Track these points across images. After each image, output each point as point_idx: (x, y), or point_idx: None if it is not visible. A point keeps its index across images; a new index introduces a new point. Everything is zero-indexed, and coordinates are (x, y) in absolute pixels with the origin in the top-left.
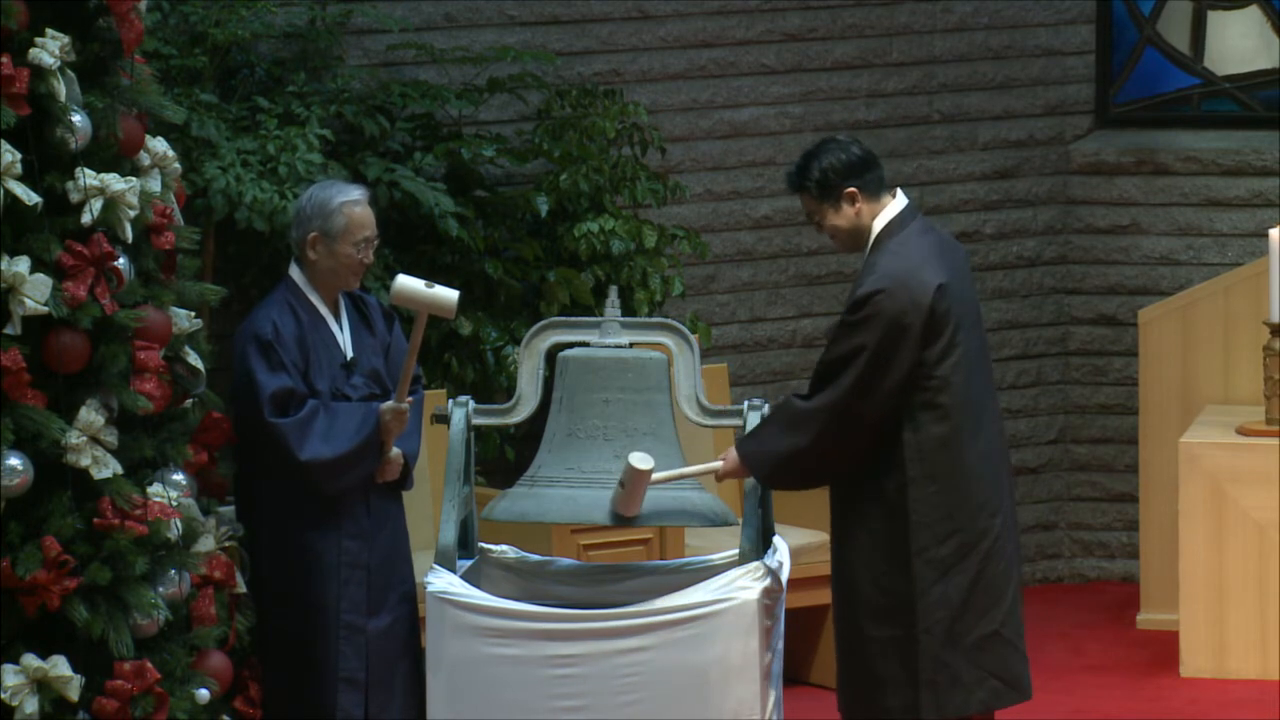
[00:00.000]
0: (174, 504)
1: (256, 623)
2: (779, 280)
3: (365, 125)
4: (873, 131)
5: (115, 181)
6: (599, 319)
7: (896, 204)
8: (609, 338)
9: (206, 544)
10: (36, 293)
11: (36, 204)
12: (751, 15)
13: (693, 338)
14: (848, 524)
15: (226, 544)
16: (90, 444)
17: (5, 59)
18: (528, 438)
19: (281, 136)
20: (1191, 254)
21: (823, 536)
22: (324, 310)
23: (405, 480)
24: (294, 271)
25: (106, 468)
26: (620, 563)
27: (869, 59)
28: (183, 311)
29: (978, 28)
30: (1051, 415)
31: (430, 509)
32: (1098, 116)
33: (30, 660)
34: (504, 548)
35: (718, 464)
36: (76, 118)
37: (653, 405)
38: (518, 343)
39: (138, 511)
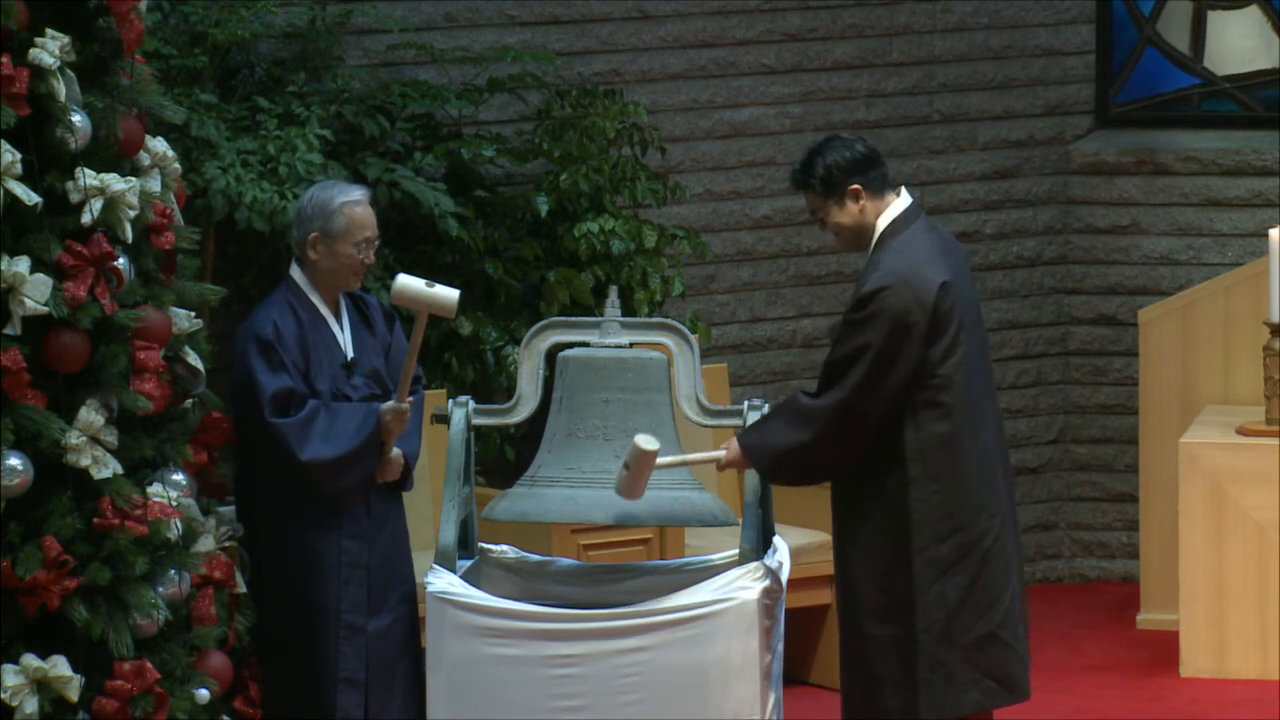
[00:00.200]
0: (174, 504)
1: (256, 623)
2: (779, 280)
3: (365, 125)
4: (873, 131)
5: (115, 181)
6: (599, 319)
7: (900, 202)
8: (609, 338)
9: (206, 544)
10: (36, 293)
11: (36, 204)
12: (751, 15)
13: (693, 338)
14: (848, 522)
15: (226, 544)
16: (90, 444)
17: (5, 59)
18: (528, 438)
19: (281, 136)
20: (1191, 254)
21: (823, 536)
22: (325, 310)
23: (406, 480)
24: (295, 272)
25: (106, 468)
26: (620, 563)
27: (869, 59)
28: (183, 311)
29: (978, 28)
30: (1051, 415)
31: (430, 509)
32: (1098, 116)
33: (30, 660)
34: (504, 548)
35: (720, 453)
36: (76, 118)
37: (653, 405)
38: (518, 343)
39: (138, 511)
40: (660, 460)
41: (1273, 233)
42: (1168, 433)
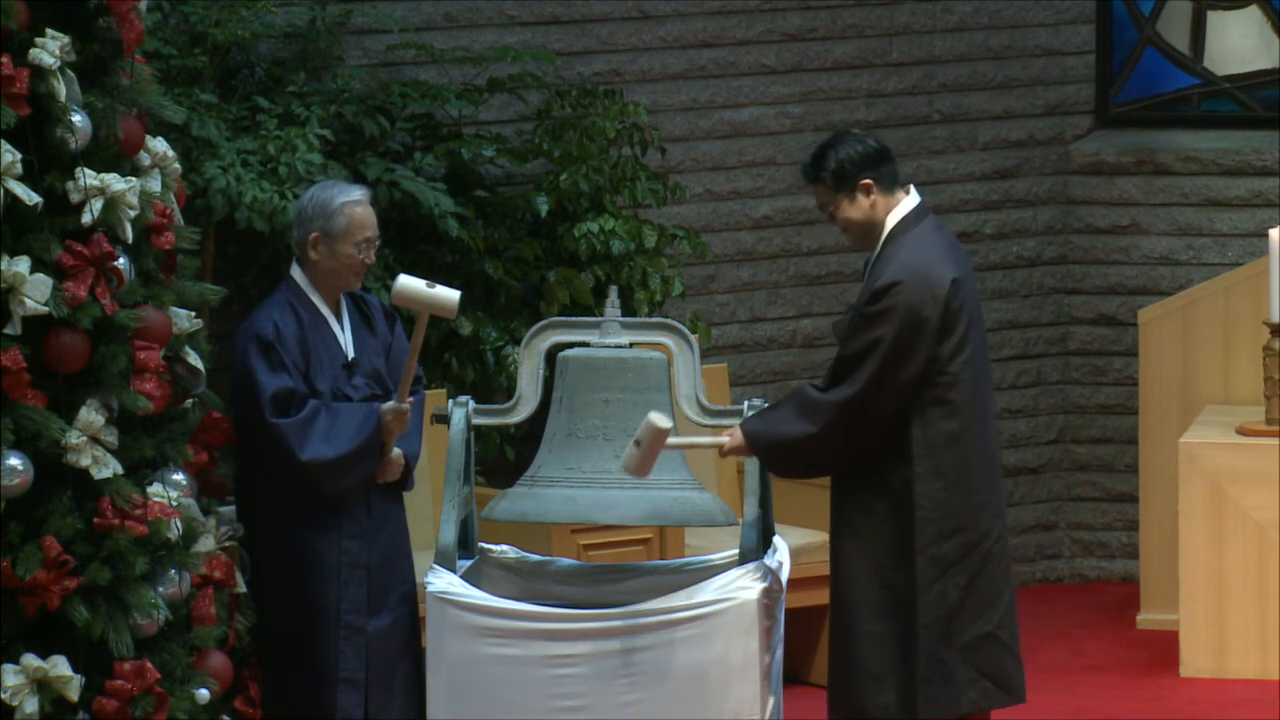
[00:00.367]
0: (174, 504)
1: (256, 623)
2: (779, 280)
3: (365, 125)
4: (873, 131)
5: (115, 181)
6: (599, 319)
7: (910, 201)
8: (609, 338)
9: (206, 544)
10: (36, 293)
11: (36, 204)
12: (751, 15)
13: (693, 338)
14: (848, 518)
15: (226, 544)
16: (90, 444)
17: (5, 59)
18: (528, 438)
19: (281, 136)
20: (1191, 254)
21: (823, 536)
22: (325, 310)
23: (406, 481)
24: (295, 272)
25: (106, 468)
26: (620, 563)
27: (869, 59)
28: (183, 311)
29: (978, 28)
30: (1051, 415)
31: (430, 509)
32: (1098, 116)
33: (30, 660)
34: (504, 548)
35: (724, 439)
36: (76, 118)
37: (653, 405)
38: (518, 343)
39: (138, 511)
40: (670, 440)
41: (1273, 233)
42: (1168, 433)
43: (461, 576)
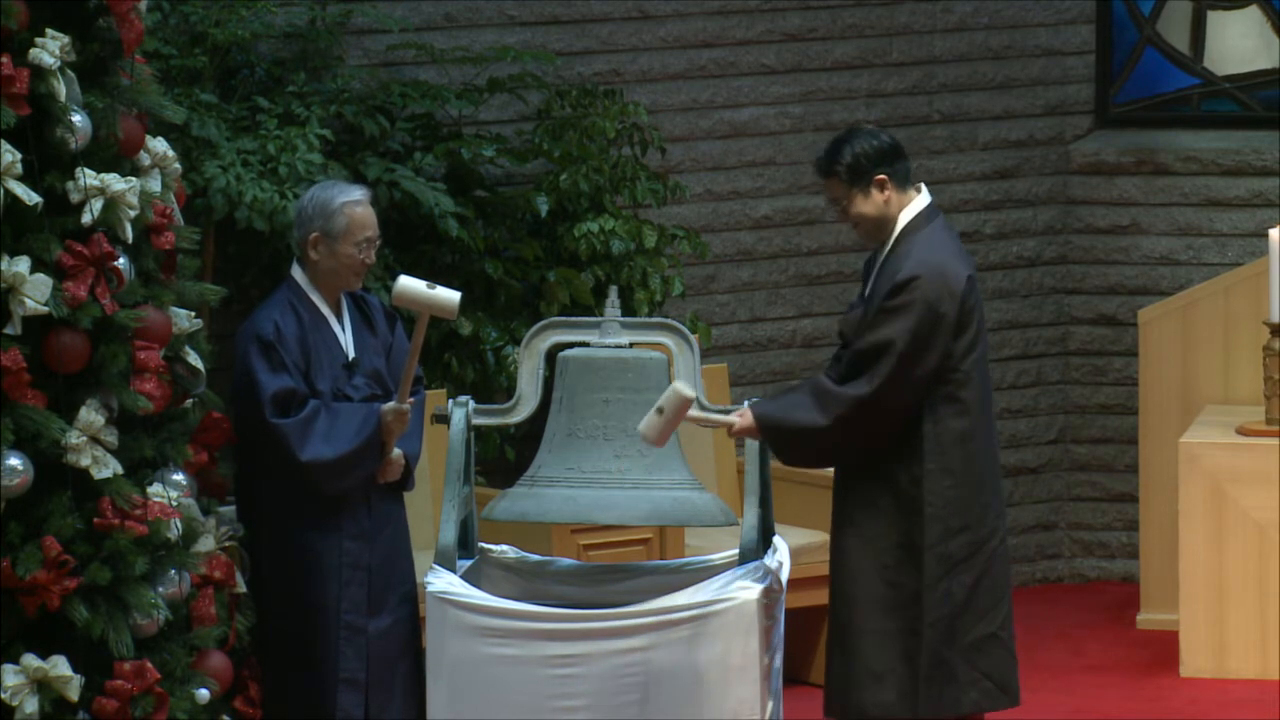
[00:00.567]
0: (174, 504)
1: (257, 623)
2: (779, 280)
3: (365, 125)
4: None
5: (115, 181)
6: (599, 319)
7: (921, 199)
8: (609, 338)
9: (206, 544)
10: (36, 293)
11: (36, 204)
12: (751, 15)
13: (693, 338)
14: (853, 514)
15: (226, 544)
16: (90, 444)
17: (5, 59)
18: (528, 438)
19: (281, 136)
20: (1191, 254)
21: (823, 536)
22: (326, 310)
23: (406, 481)
24: (296, 272)
25: (106, 468)
26: (620, 563)
27: (869, 59)
28: (183, 311)
29: (978, 28)
30: (1051, 415)
31: (430, 509)
32: (1098, 116)
33: (30, 660)
34: (504, 548)
35: (734, 418)
36: (76, 118)
37: (653, 406)
38: (518, 343)
39: (138, 511)
40: (689, 413)
41: (1273, 233)
42: (1168, 433)
43: (461, 576)
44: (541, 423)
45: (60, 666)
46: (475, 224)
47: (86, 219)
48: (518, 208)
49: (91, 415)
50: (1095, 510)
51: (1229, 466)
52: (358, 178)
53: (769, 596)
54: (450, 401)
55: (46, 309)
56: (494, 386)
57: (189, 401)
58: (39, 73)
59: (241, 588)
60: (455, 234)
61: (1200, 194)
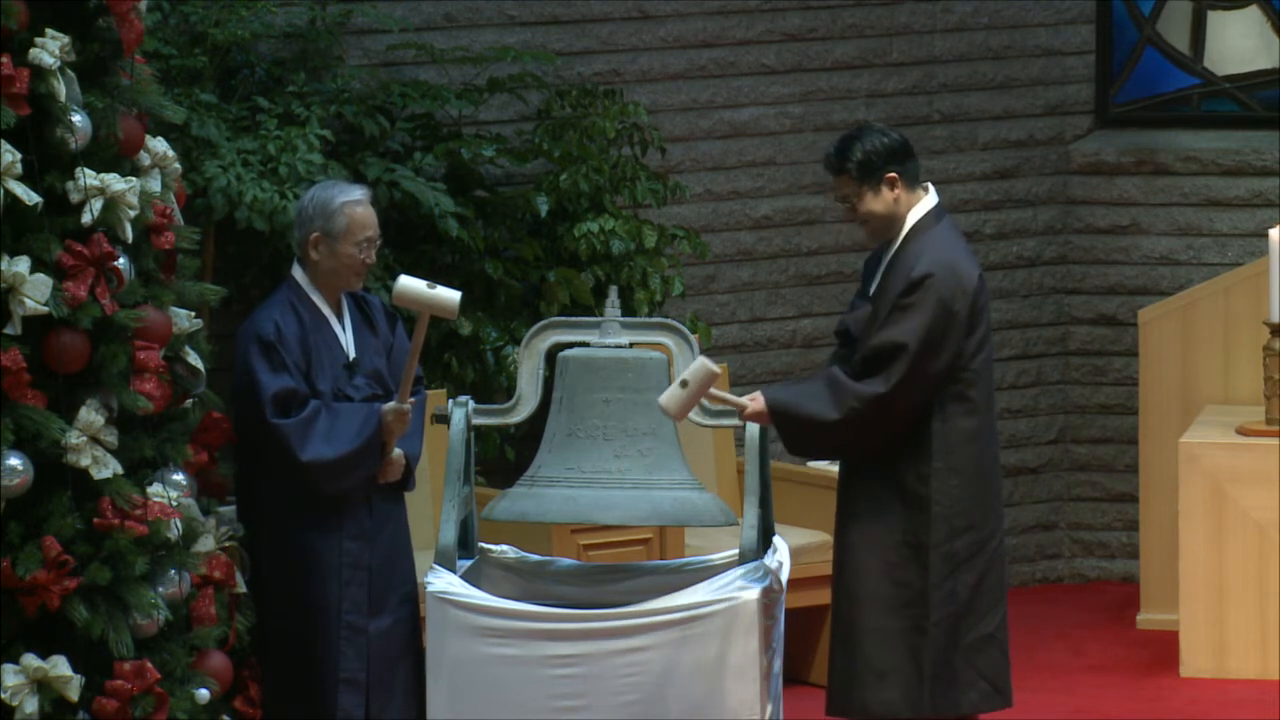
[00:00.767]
0: (174, 504)
1: (257, 623)
2: (779, 280)
3: (365, 125)
4: None
5: (115, 181)
6: (599, 319)
7: (930, 199)
8: (609, 338)
9: (206, 544)
10: (36, 293)
11: (36, 204)
12: (751, 15)
13: (693, 338)
14: (858, 512)
15: (226, 544)
16: (90, 444)
17: (5, 59)
18: (528, 438)
19: (281, 136)
20: (1191, 254)
21: (823, 536)
22: (326, 310)
23: (407, 481)
24: (296, 272)
25: (106, 468)
26: (620, 563)
27: (869, 59)
28: (183, 311)
29: (978, 28)
30: (1051, 415)
31: (430, 509)
32: (1098, 116)
33: (30, 660)
34: (504, 548)
35: (746, 401)
36: (76, 118)
37: (653, 405)
38: (518, 343)
39: (138, 511)
40: (710, 390)
41: (1273, 233)
42: (1168, 433)
43: (461, 576)
44: (541, 423)
45: (60, 666)
46: (475, 224)
47: (86, 219)
48: (518, 208)
49: (91, 415)
50: (1095, 510)
51: (1229, 466)
52: (358, 178)
53: (769, 596)
54: (450, 401)
55: (46, 309)
56: (494, 386)
57: (189, 401)
58: (39, 73)
59: (241, 588)
60: (455, 234)
61: (1200, 194)
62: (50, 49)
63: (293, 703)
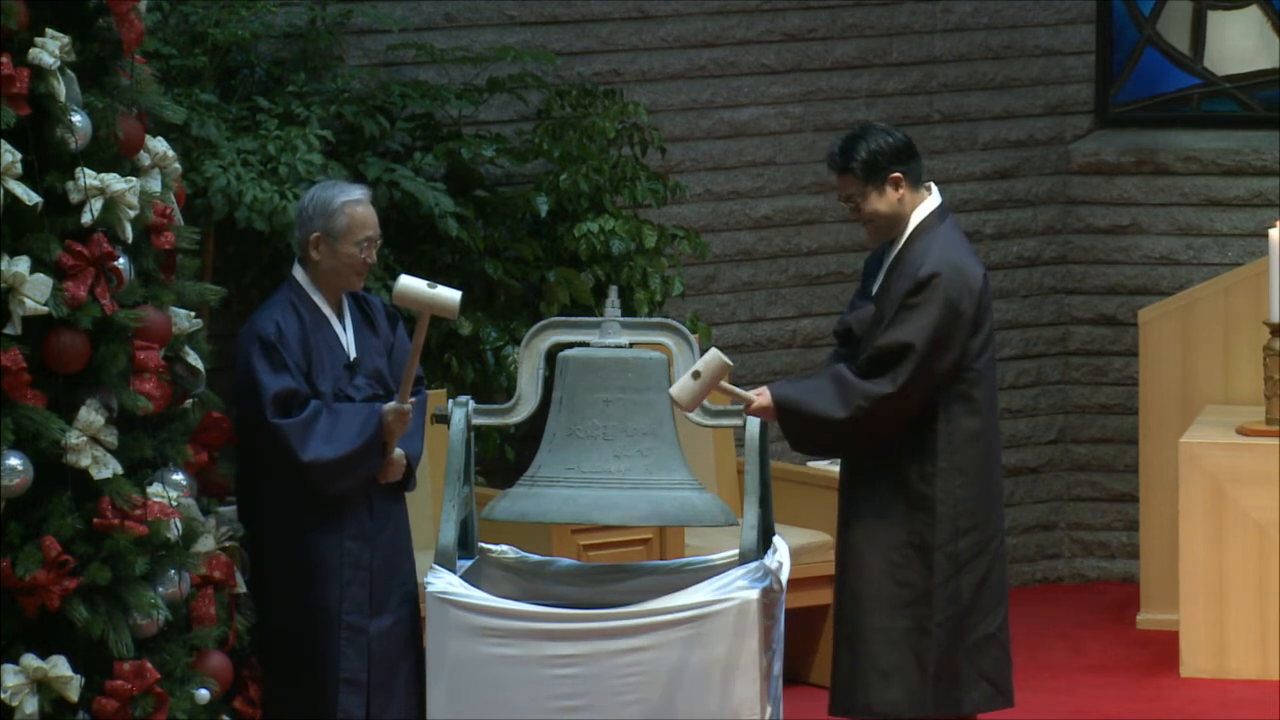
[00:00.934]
0: (174, 504)
1: (257, 623)
2: (779, 280)
3: (365, 125)
4: None
5: (115, 181)
6: (599, 319)
7: (933, 199)
8: (609, 338)
9: (206, 544)
10: (36, 293)
11: (36, 204)
12: (751, 15)
13: (693, 338)
14: (861, 512)
15: (226, 544)
16: (90, 444)
17: (5, 59)
18: (528, 438)
19: (282, 136)
20: (1191, 254)
21: (823, 536)
22: (327, 310)
23: (408, 481)
24: (297, 272)
25: (106, 468)
26: (620, 563)
27: (869, 59)
28: (183, 311)
29: (978, 28)
30: (1051, 415)
31: (430, 509)
32: (1098, 116)
33: (30, 660)
34: (504, 548)
35: (753, 395)
36: (76, 118)
37: (653, 405)
38: (518, 343)
39: (138, 511)
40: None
41: (1273, 233)
42: (1168, 433)
43: (461, 577)
44: (541, 423)
45: (60, 666)
46: (475, 224)
47: (86, 219)
48: (518, 208)
49: (91, 415)
50: (1095, 510)
51: (1229, 466)
52: (358, 178)
53: (769, 596)
54: (450, 401)
55: (46, 309)
56: (494, 386)
57: (189, 401)
58: (39, 73)
59: (241, 588)
60: (455, 234)
61: (1200, 194)
62: (50, 49)
63: (293, 703)
